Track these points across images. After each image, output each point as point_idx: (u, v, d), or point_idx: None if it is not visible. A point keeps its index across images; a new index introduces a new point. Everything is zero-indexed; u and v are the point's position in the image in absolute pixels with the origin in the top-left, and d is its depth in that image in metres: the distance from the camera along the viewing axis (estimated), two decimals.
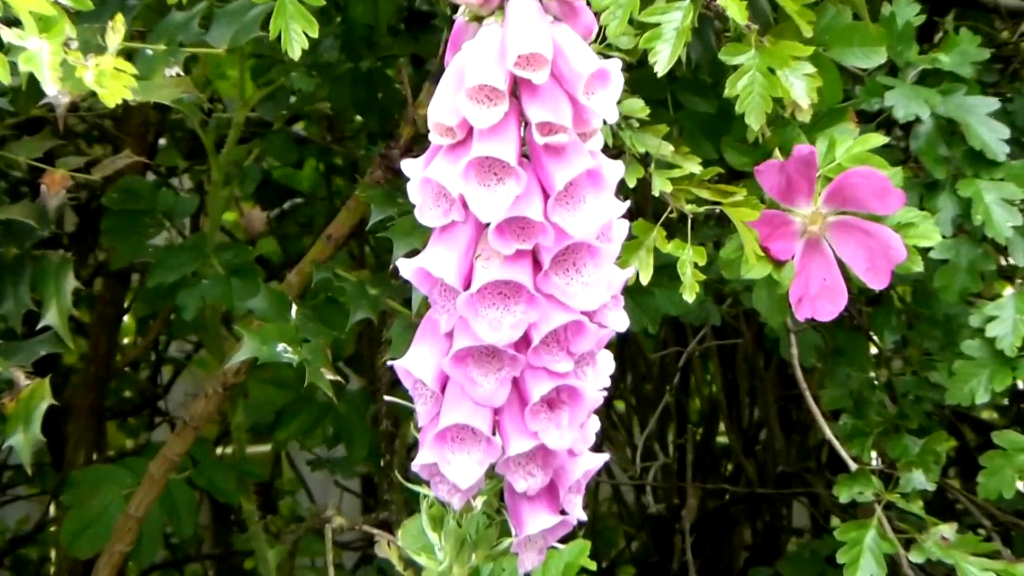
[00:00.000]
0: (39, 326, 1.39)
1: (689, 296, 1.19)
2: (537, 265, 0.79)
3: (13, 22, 1.04)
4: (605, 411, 2.29)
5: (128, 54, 1.15)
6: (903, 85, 1.31)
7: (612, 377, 0.84)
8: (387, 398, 0.98)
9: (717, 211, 1.22)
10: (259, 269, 1.57)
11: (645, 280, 1.20)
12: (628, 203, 0.82)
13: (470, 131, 0.78)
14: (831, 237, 1.21)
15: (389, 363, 0.84)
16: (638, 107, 1.22)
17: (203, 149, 1.58)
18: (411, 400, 0.83)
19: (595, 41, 1.11)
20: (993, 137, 1.30)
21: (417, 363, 0.81)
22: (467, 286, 0.78)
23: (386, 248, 1.33)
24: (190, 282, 1.53)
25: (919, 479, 1.37)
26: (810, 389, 1.42)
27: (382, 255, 2.06)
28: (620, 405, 2.51)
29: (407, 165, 0.81)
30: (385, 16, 1.62)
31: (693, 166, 1.23)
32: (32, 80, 1.07)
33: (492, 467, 0.80)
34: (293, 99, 1.81)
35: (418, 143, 1.43)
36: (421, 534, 0.90)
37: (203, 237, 1.59)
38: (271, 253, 2.40)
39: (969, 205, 1.30)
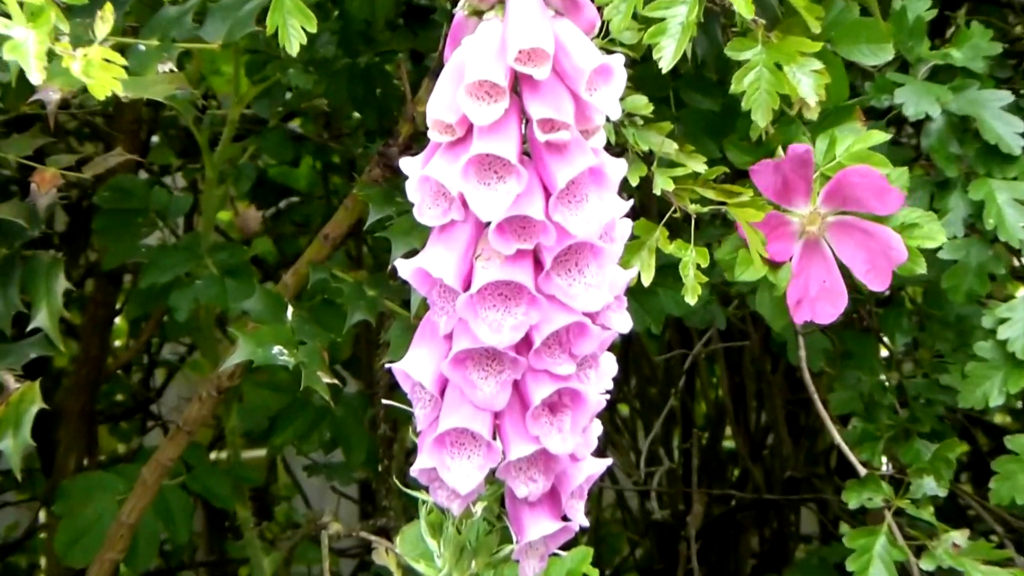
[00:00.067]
0: (29, 328, 1.39)
1: (691, 298, 1.18)
2: (538, 265, 0.79)
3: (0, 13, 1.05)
4: (608, 415, 2.29)
5: (120, 49, 1.15)
6: (914, 81, 1.30)
7: (615, 380, 0.83)
8: (385, 402, 0.98)
9: (723, 211, 1.22)
10: (254, 270, 1.58)
11: (647, 281, 1.19)
12: (631, 202, 0.82)
13: (470, 128, 0.78)
14: (830, 238, 1.21)
15: (387, 366, 0.84)
16: (641, 104, 1.21)
17: (197, 147, 1.58)
18: (410, 404, 0.83)
19: (598, 36, 1.11)
20: (1008, 131, 1.28)
21: (416, 366, 0.81)
22: (467, 287, 0.78)
23: (384, 248, 1.33)
24: (184, 283, 1.53)
25: (930, 485, 1.35)
26: (819, 392, 1.41)
27: (380, 255, 2.07)
28: (624, 409, 2.51)
29: (406, 163, 0.81)
30: (383, 10, 1.62)
31: (697, 165, 1.23)
32: (22, 76, 1.07)
33: (492, 472, 0.80)
34: (289, 95, 1.80)
35: (417, 140, 1.43)
36: (420, 541, 0.90)
37: (197, 237, 1.59)
38: (266, 253, 2.40)
39: (981, 205, 1.29)
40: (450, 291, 0.79)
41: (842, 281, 1.21)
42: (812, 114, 1.22)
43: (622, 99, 0.80)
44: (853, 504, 1.35)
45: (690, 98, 1.37)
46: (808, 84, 1.16)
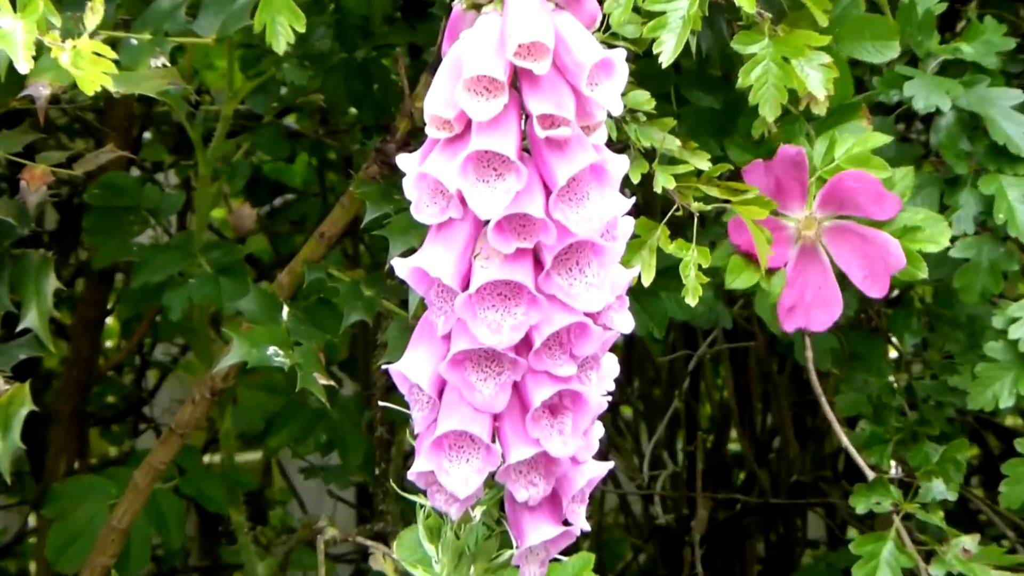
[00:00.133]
0: (18, 328, 1.38)
1: (692, 300, 1.17)
2: (538, 264, 0.78)
3: None
4: (611, 417, 2.30)
5: (112, 43, 1.15)
6: (923, 76, 1.30)
7: (618, 381, 0.83)
8: (382, 404, 0.98)
9: (727, 209, 1.21)
10: (249, 269, 1.60)
11: (647, 281, 1.19)
12: (633, 199, 0.81)
13: (468, 124, 0.77)
14: (827, 243, 1.21)
15: (384, 367, 0.84)
16: (643, 99, 1.21)
17: (190, 143, 1.57)
18: (407, 406, 0.83)
19: (599, 30, 1.10)
20: (1018, 131, 1.29)
21: (413, 367, 0.81)
22: (465, 286, 0.78)
23: (382, 247, 1.33)
24: (176, 282, 1.52)
25: (940, 488, 1.35)
26: (826, 394, 1.41)
27: (377, 254, 2.09)
28: (627, 411, 2.51)
29: (403, 160, 0.81)
30: (380, 4, 1.63)
31: (700, 162, 1.23)
32: (12, 71, 1.07)
33: (491, 476, 0.80)
34: (284, 91, 1.80)
35: (415, 137, 1.43)
36: (418, 546, 0.89)
37: (190, 235, 1.58)
38: (261, 252, 2.41)
39: (991, 202, 1.29)
40: (448, 291, 0.78)
41: (838, 288, 1.20)
42: (820, 109, 1.22)
43: (624, 94, 0.80)
44: (861, 508, 1.34)
45: (691, 95, 1.37)
46: (817, 78, 1.16)
